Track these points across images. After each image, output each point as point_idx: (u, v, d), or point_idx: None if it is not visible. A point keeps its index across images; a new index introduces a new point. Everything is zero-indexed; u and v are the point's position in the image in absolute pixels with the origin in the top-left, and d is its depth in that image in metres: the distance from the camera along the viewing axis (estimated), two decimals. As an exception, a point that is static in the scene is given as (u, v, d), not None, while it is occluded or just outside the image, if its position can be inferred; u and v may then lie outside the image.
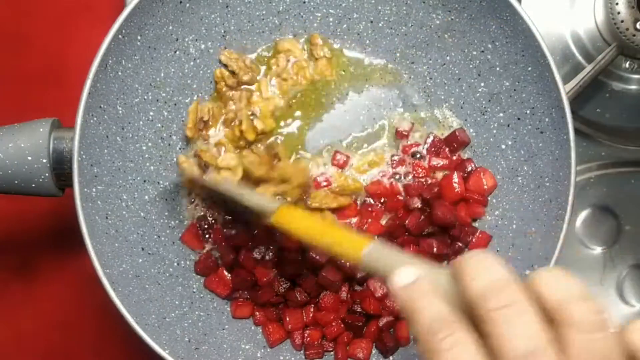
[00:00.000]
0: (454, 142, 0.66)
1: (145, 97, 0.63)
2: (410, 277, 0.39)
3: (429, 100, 0.67)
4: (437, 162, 0.66)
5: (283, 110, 0.66)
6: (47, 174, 0.58)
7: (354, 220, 0.65)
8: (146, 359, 0.61)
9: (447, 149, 0.66)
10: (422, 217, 0.64)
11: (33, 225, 0.77)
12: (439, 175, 0.66)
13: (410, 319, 0.37)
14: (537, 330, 0.33)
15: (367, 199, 0.66)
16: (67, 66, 0.77)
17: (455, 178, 0.64)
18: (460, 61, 0.65)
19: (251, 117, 0.64)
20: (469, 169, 0.65)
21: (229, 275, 0.64)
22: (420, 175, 0.66)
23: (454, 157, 0.66)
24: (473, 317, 0.36)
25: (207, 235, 0.65)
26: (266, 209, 0.56)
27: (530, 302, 0.34)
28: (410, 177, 0.66)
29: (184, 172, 0.63)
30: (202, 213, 0.65)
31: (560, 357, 0.33)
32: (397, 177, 0.66)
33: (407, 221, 0.63)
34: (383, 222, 0.65)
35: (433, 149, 0.66)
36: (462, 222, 0.64)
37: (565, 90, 0.59)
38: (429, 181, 0.66)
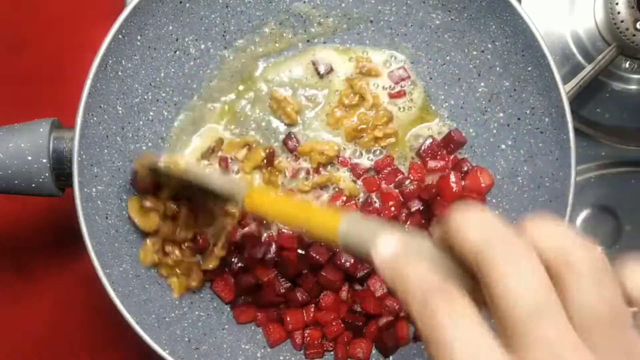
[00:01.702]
0: (451, 143, 0.66)
1: (145, 97, 0.63)
2: (391, 246, 0.35)
3: (429, 100, 0.67)
4: (434, 164, 0.66)
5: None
6: (47, 174, 0.58)
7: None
8: (146, 359, 0.61)
9: (444, 151, 0.66)
10: (423, 220, 0.64)
11: (33, 225, 0.77)
12: (436, 177, 0.66)
13: (401, 296, 0.33)
14: (544, 283, 0.30)
15: (370, 194, 0.66)
16: (67, 66, 0.77)
17: (453, 178, 0.64)
18: (460, 61, 0.65)
19: None
20: (465, 168, 0.66)
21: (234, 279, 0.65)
22: (417, 178, 0.66)
23: (450, 159, 0.66)
24: (466, 280, 0.33)
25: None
26: (235, 193, 0.53)
27: (531, 249, 0.31)
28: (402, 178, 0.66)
29: (138, 171, 0.60)
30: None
31: (566, 312, 0.30)
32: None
33: (407, 225, 0.63)
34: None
35: (430, 152, 0.66)
36: (462, 222, 0.64)
37: (565, 90, 0.59)
38: (427, 183, 0.66)
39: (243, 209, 0.52)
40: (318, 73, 0.66)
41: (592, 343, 0.30)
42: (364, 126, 0.65)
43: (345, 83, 0.66)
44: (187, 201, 0.61)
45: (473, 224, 0.32)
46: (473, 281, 0.33)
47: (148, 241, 0.62)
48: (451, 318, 0.30)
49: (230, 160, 0.65)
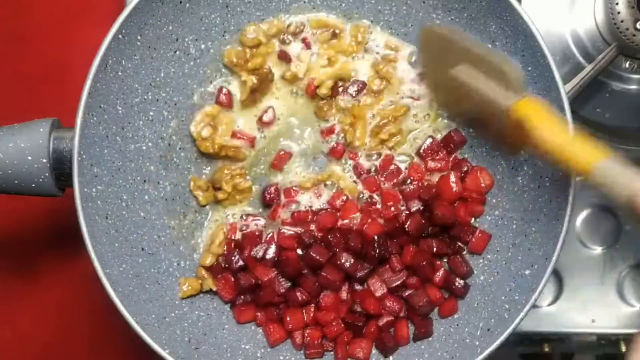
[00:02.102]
0: (451, 143, 0.66)
1: (145, 97, 0.63)
2: None
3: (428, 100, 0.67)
4: (434, 164, 0.66)
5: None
6: (47, 174, 0.58)
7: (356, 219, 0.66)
8: (146, 359, 0.61)
9: (444, 151, 0.66)
10: (423, 220, 0.64)
11: (33, 225, 0.77)
12: (436, 177, 0.66)
13: None
14: None
15: (372, 194, 0.66)
16: (67, 66, 0.77)
17: (452, 178, 0.64)
18: (460, 61, 0.65)
19: None
20: (465, 168, 0.66)
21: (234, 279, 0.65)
22: (417, 179, 0.66)
23: (450, 159, 0.66)
24: None
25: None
26: (515, 85, 0.55)
27: None
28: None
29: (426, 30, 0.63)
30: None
31: None
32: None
33: (407, 225, 0.63)
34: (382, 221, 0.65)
35: (430, 152, 0.66)
36: (461, 221, 0.64)
37: (565, 90, 0.59)
38: (427, 183, 0.66)
39: (512, 106, 0.54)
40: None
41: None
42: (385, 120, 0.65)
43: (371, 69, 0.66)
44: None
45: None
46: None
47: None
48: None
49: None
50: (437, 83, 0.64)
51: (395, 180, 0.66)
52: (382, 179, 0.66)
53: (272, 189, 0.65)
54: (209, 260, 0.64)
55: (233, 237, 0.65)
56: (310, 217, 0.65)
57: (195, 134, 0.64)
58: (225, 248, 0.65)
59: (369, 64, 0.66)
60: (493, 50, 0.59)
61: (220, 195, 0.65)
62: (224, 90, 0.65)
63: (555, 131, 0.52)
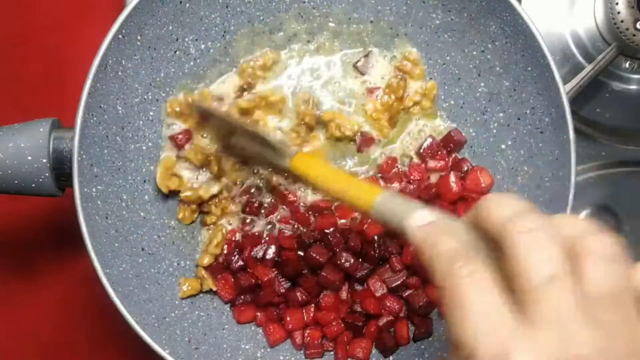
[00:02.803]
0: (451, 142, 0.66)
1: (145, 97, 0.63)
2: (426, 219, 0.40)
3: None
4: (433, 164, 0.66)
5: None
6: (47, 174, 0.58)
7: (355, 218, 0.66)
8: (146, 359, 0.61)
9: (444, 151, 0.66)
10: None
11: (33, 225, 0.77)
12: (436, 177, 0.66)
13: (428, 259, 0.37)
14: (559, 256, 0.33)
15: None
16: (67, 66, 0.77)
17: (452, 177, 0.64)
18: (460, 61, 0.65)
19: None
20: (465, 168, 0.66)
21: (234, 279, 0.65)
22: (417, 179, 0.66)
23: (450, 159, 0.66)
24: (489, 259, 0.36)
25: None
26: (284, 149, 0.58)
27: (553, 229, 0.34)
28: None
29: (195, 106, 0.63)
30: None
31: (576, 286, 0.33)
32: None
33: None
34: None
35: (430, 152, 0.66)
36: (462, 222, 0.64)
37: (565, 90, 0.59)
38: (427, 183, 0.66)
39: (288, 167, 0.57)
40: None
41: (595, 313, 0.32)
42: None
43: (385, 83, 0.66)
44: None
45: (501, 203, 0.36)
46: (495, 259, 0.36)
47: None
48: (470, 277, 0.34)
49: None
50: (224, 145, 0.64)
51: (399, 182, 0.66)
52: (386, 180, 0.66)
53: (255, 205, 0.65)
54: (206, 261, 0.64)
55: (233, 238, 0.65)
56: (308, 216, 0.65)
57: (165, 188, 0.63)
58: (225, 248, 0.65)
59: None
60: (256, 129, 0.61)
61: (208, 220, 0.65)
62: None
63: (330, 179, 0.54)
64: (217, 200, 0.65)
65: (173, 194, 0.65)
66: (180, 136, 0.64)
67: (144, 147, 0.64)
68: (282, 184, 0.65)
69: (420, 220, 0.40)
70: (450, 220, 0.40)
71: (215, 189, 0.64)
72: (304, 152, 0.58)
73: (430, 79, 0.66)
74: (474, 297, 0.34)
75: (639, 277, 0.34)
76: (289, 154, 0.58)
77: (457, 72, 0.66)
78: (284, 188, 0.65)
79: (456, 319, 0.34)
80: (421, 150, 0.66)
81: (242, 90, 0.65)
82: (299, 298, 0.64)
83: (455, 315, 0.34)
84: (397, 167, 0.66)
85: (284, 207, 0.65)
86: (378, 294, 0.64)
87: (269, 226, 0.65)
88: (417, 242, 0.39)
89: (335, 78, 0.66)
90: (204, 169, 0.64)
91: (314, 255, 0.62)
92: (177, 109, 0.64)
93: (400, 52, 0.66)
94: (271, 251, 0.64)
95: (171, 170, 0.63)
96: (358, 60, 0.66)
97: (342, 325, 0.64)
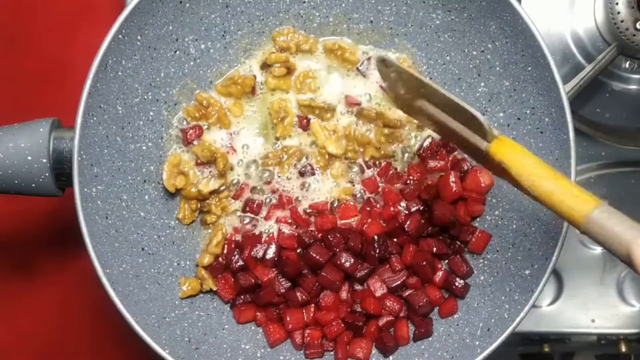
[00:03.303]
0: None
1: (145, 97, 0.63)
2: None
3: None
4: (434, 164, 0.66)
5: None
6: (47, 174, 0.58)
7: (356, 219, 0.66)
8: (146, 359, 0.61)
9: (443, 150, 0.66)
10: (423, 220, 0.64)
11: (33, 225, 0.77)
12: (436, 177, 0.66)
13: None
14: None
15: (370, 195, 0.66)
16: (67, 66, 0.77)
17: (452, 177, 0.64)
18: (460, 61, 0.65)
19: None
20: (465, 168, 0.66)
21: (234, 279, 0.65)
22: (417, 178, 0.66)
23: (450, 158, 0.66)
24: None
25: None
26: (484, 128, 0.49)
27: None
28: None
29: (380, 61, 0.55)
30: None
31: None
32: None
33: (407, 225, 0.63)
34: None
35: (430, 152, 0.66)
36: (461, 221, 0.64)
37: (565, 90, 0.59)
38: (427, 183, 0.66)
39: (487, 150, 0.49)
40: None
41: None
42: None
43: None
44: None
45: None
46: None
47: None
48: None
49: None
50: (407, 109, 0.59)
51: (396, 182, 0.66)
52: (385, 181, 0.66)
53: (254, 205, 0.65)
54: (206, 260, 0.64)
55: (233, 238, 0.65)
56: (307, 216, 0.65)
57: (171, 187, 0.63)
58: (225, 248, 0.65)
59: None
60: (455, 97, 0.52)
61: (208, 219, 0.65)
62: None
63: (538, 175, 0.46)
64: (217, 200, 0.65)
65: (174, 193, 0.65)
66: (191, 131, 0.64)
67: (144, 147, 0.64)
68: (282, 184, 0.65)
69: None
70: None
71: (215, 184, 0.63)
72: (507, 138, 0.48)
73: (430, 78, 0.67)
74: None
75: None
76: (490, 135, 0.49)
77: (457, 72, 0.66)
78: (284, 188, 0.65)
79: None
80: (421, 151, 0.66)
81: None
82: (299, 298, 0.64)
83: None
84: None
85: (284, 207, 0.65)
86: (378, 294, 0.64)
87: (269, 226, 0.66)
88: None
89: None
90: (210, 168, 0.64)
91: (314, 255, 0.62)
92: (197, 115, 0.64)
93: (395, 58, 0.66)
94: (271, 251, 0.64)
95: (177, 168, 0.63)
96: (361, 63, 0.66)
97: (342, 325, 0.64)
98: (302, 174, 0.66)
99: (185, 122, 0.65)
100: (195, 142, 0.64)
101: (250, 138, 0.66)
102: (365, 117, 0.65)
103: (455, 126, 0.52)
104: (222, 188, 0.65)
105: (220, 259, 0.65)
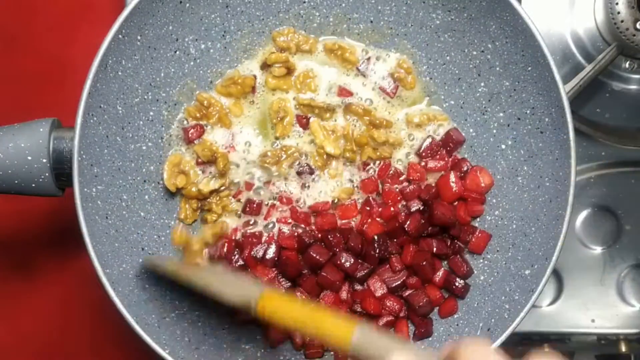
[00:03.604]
0: (450, 142, 0.66)
1: (145, 97, 0.63)
2: None
3: (428, 100, 0.67)
4: (433, 164, 0.66)
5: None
6: (47, 174, 0.58)
7: (356, 219, 0.66)
8: (146, 359, 0.61)
9: (443, 150, 0.66)
10: (423, 220, 0.64)
11: (33, 225, 0.77)
12: (436, 177, 0.66)
13: None
14: None
15: (370, 195, 0.66)
16: (67, 66, 0.77)
17: (452, 177, 0.64)
18: (460, 61, 0.65)
19: None
20: (465, 168, 0.66)
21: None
22: (417, 179, 0.66)
23: (450, 158, 0.66)
24: None
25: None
26: (247, 299, 0.53)
27: None
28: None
29: (147, 265, 0.61)
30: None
31: None
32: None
33: (407, 224, 0.63)
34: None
35: (429, 152, 0.66)
36: (461, 221, 0.64)
37: (565, 90, 0.59)
38: (427, 183, 0.66)
39: (256, 315, 0.52)
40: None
41: None
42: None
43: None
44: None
45: (476, 355, 0.38)
46: None
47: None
48: None
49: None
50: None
51: (397, 182, 0.66)
52: (385, 182, 0.66)
53: (254, 205, 0.65)
54: (198, 260, 0.63)
55: (233, 238, 0.65)
56: (306, 216, 0.65)
57: (172, 186, 0.63)
58: (225, 247, 0.65)
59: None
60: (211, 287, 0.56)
61: (209, 217, 0.65)
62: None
63: (301, 319, 0.50)
64: (217, 199, 0.65)
65: (174, 193, 0.65)
66: (192, 129, 0.64)
67: (144, 147, 0.64)
68: (282, 184, 0.65)
69: None
70: (428, 358, 0.41)
71: (215, 184, 0.63)
72: (267, 292, 0.52)
73: (430, 78, 0.67)
74: None
75: None
76: (253, 302, 0.52)
77: (457, 72, 0.66)
78: (285, 189, 0.65)
79: None
80: (421, 151, 0.66)
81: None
82: (299, 298, 0.64)
83: None
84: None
85: (284, 207, 0.65)
86: (378, 294, 0.64)
87: (269, 226, 0.66)
88: None
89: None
90: (210, 168, 0.64)
91: (314, 255, 0.62)
92: (198, 115, 0.64)
93: (396, 59, 0.66)
94: (271, 251, 0.64)
95: (178, 167, 0.64)
96: (361, 63, 0.66)
97: (342, 325, 0.64)
98: (299, 173, 0.66)
99: (186, 122, 0.65)
100: (196, 141, 0.64)
101: (250, 138, 0.66)
102: (352, 112, 0.65)
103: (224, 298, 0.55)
104: (222, 188, 0.65)
105: (218, 257, 0.65)
